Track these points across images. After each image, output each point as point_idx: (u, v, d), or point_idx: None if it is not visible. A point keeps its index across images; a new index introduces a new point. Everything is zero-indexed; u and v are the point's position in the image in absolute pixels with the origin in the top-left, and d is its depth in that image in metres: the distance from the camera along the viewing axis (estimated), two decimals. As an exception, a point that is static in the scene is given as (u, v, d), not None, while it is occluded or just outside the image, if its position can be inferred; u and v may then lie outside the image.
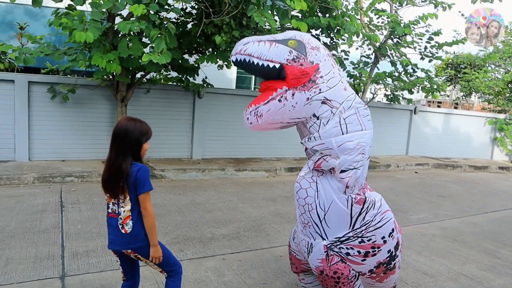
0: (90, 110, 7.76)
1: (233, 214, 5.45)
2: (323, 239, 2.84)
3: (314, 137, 2.73)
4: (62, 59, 6.35)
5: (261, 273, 3.77)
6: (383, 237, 2.84)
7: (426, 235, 5.20)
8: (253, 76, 13.33)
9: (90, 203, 5.54)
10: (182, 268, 2.74)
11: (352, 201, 2.77)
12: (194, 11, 7.16)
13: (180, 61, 7.06)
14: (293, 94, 2.64)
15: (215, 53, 6.62)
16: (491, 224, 5.96)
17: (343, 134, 2.69)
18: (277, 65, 2.60)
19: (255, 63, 2.60)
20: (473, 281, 3.90)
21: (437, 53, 10.45)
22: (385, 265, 2.90)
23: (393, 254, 2.93)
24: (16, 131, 7.22)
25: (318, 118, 2.70)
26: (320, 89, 2.66)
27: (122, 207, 2.41)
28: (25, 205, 5.31)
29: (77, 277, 3.46)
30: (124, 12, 6.55)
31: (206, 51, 7.22)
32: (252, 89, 14.11)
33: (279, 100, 2.65)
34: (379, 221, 2.84)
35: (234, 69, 12.10)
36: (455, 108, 19.72)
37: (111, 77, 7.32)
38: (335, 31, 7.00)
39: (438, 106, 22.19)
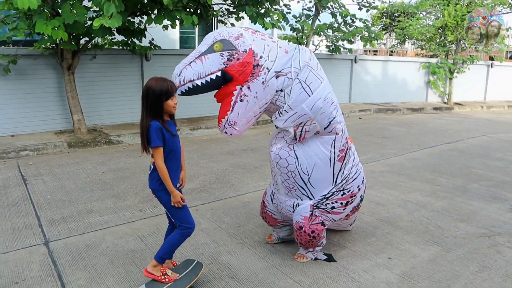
0: (35, 81, 7.50)
1: (197, 170, 5.70)
2: (310, 199, 3.08)
3: (284, 110, 2.81)
4: (0, 29, 6.04)
5: (233, 218, 4.11)
6: (358, 186, 3.20)
7: (375, 172, 5.76)
8: (196, 35, 13.20)
9: (52, 174, 5.56)
10: (161, 221, 2.97)
11: (334, 159, 3.01)
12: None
13: (126, 24, 6.94)
14: (248, 88, 2.71)
15: (162, 14, 6.58)
16: (429, 158, 6.66)
17: (309, 96, 2.79)
18: (219, 74, 2.66)
19: (200, 84, 2.65)
20: (418, 206, 4.48)
21: (373, 2, 10.90)
22: (356, 207, 3.30)
23: (363, 197, 3.34)
24: (-43, 108, 6.90)
25: (282, 90, 2.79)
26: (267, 68, 2.73)
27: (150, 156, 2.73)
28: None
29: (60, 241, 3.60)
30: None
31: (152, 12, 7.14)
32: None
33: (241, 100, 2.73)
34: (355, 173, 3.18)
35: (177, 29, 11.92)
36: (391, 55, 20.68)
37: (54, 45, 7.08)
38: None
39: (375, 54, 23.12)
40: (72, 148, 6.91)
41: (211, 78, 2.65)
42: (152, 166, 2.74)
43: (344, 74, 12.41)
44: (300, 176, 3.00)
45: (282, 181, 3.10)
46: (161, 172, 2.62)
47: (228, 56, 2.65)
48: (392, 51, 21.32)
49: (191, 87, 2.66)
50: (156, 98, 2.56)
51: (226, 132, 2.81)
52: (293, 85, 2.77)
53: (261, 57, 2.72)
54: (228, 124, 2.76)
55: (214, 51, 2.66)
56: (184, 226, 2.76)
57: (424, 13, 15.75)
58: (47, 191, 4.86)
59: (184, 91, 2.67)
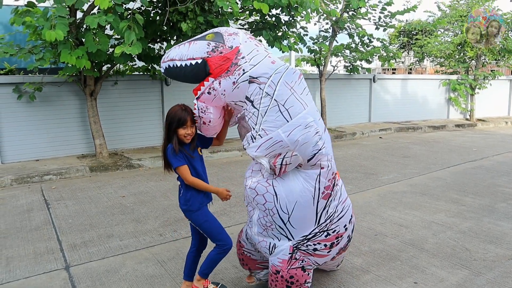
0: (59, 107, 7.71)
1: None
2: (289, 239, 2.73)
3: (259, 134, 2.53)
4: (28, 58, 6.26)
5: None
6: (345, 225, 2.87)
7: (397, 192, 5.64)
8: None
9: (75, 198, 5.63)
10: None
11: (319, 196, 2.67)
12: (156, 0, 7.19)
13: (147, 50, 7.10)
14: (219, 83, 2.61)
15: (181, 40, 6.71)
16: (454, 177, 6.50)
17: (287, 121, 2.51)
18: (199, 61, 2.58)
19: (179, 65, 2.61)
20: (443, 227, 4.35)
21: (390, 22, 10.88)
22: (343, 248, 2.98)
23: (351, 237, 3.01)
24: (-15, 135, 7.11)
25: (254, 107, 2.55)
26: (243, 70, 2.59)
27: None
28: (9, 206, 5.33)
29: (81, 266, 3.61)
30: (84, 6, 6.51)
31: (171, 39, 7.29)
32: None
33: (209, 93, 2.63)
34: (341, 211, 2.85)
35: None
36: (409, 73, 20.52)
37: (78, 72, 7.28)
38: (294, 9, 7.21)
39: (393, 73, 22.99)
40: (94, 172, 7.00)
41: (190, 63, 2.59)
42: (181, 189, 2.84)
43: (363, 94, 12.35)
44: (279, 215, 2.66)
45: (258, 217, 2.76)
46: (196, 184, 2.75)
47: (213, 47, 2.60)
48: (411, 69, 21.17)
49: (171, 66, 2.66)
50: (169, 124, 2.70)
51: (203, 122, 2.72)
52: (269, 107, 2.51)
53: (243, 57, 2.61)
54: (201, 110, 2.68)
55: (204, 39, 2.65)
56: (221, 244, 2.80)
57: (442, 30, 15.65)
58: (69, 215, 4.91)
59: (165, 68, 2.70)
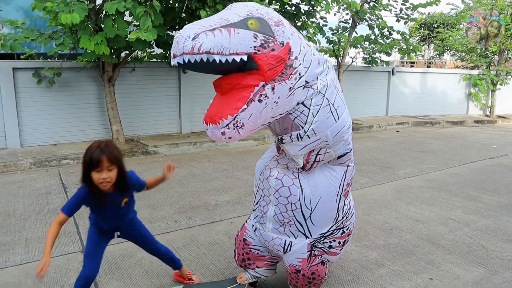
0: (78, 92, 7.79)
1: (231, 182, 5.70)
2: (307, 237, 2.61)
3: (307, 135, 2.32)
4: (48, 44, 6.32)
5: (268, 232, 4.06)
6: (353, 222, 2.85)
7: (414, 187, 5.58)
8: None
9: (92, 182, 5.69)
10: (196, 233, 3.00)
11: (341, 194, 2.59)
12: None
13: (165, 37, 7.10)
14: (273, 89, 2.12)
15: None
16: (472, 173, 6.40)
17: (335, 122, 2.36)
18: (244, 57, 2.03)
19: (217, 61, 1.97)
20: (460, 224, 4.29)
21: (412, 14, 10.69)
22: (347, 244, 2.92)
23: (352, 233, 2.92)
24: (5, 119, 7.21)
25: (304, 105, 2.27)
26: (299, 74, 2.20)
27: None
28: (28, 189, 5.43)
29: (97, 249, 3.66)
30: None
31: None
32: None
33: (259, 100, 2.11)
34: (352, 207, 2.82)
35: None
36: (428, 67, 20.20)
37: (96, 58, 7.33)
38: (314, -2, 7.13)
39: (412, 66, 22.64)
40: (110, 158, 7.07)
41: (233, 59, 2.00)
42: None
43: (381, 87, 12.20)
44: (301, 210, 2.52)
45: (276, 213, 2.59)
46: (48, 234, 2.38)
47: (263, 42, 2.07)
48: (430, 63, 20.82)
49: (204, 60, 1.95)
50: (83, 163, 2.36)
51: (223, 133, 2.11)
52: (321, 106, 2.29)
53: (296, 58, 2.19)
54: (234, 124, 2.08)
55: (247, 27, 2.05)
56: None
57: (465, 24, 15.32)
58: (86, 200, 4.98)
59: (192, 61, 1.94)
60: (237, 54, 2.00)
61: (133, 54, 7.76)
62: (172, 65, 2.04)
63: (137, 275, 3.21)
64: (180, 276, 3.05)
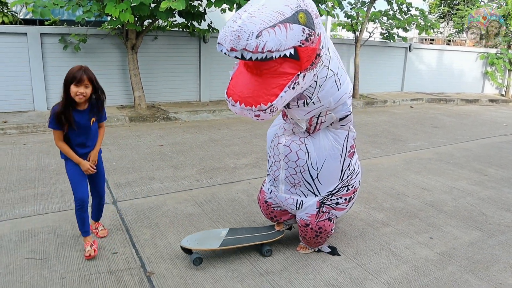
0: (101, 58, 8.08)
1: (249, 148, 6.01)
2: (316, 195, 2.91)
3: (312, 102, 2.52)
4: (76, 10, 6.57)
5: (282, 193, 4.38)
6: (359, 181, 3.13)
7: (423, 159, 5.83)
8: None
9: (117, 144, 6.05)
10: (216, 191, 3.29)
11: (345, 155, 2.84)
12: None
13: (188, 8, 7.30)
14: (304, 77, 2.30)
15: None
16: (481, 148, 6.61)
17: (338, 90, 2.57)
18: (292, 51, 2.15)
19: (274, 58, 2.08)
20: (464, 193, 4.56)
21: (432, -10, 10.64)
22: (353, 202, 3.18)
23: (357, 191, 3.17)
24: (33, 82, 7.56)
25: (315, 81, 2.47)
26: (322, 61, 2.40)
27: None
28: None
29: (127, 201, 4.03)
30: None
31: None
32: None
33: (293, 88, 2.28)
34: (358, 168, 3.10)
35: (230, 13, 12.20)
36: (448, 45, 19.98)
37: (120, 26, 7.58)
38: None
39: (431, 43, 22.39)
40: (132, 122, 7.42)
41: (285, 54, 2.12)
42: None
43: (398, 62, 12.27)
44: (309, 172, 2.80)
45: (286, 176, 2.88)
46: (62, 150, 2.94)
47: (308, 35, 2.18)
48: (449, 41, 20.59)
49: (263, 58, 2.05)
50: (64, 81, 2.79)
51: (258, 116, 2.25)
52: (327, 77, 2.47)
53: (322, 46, 2.35)
54: (271, 109, 2.23)
55: (298, 21, 2.14)
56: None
57: (486, 1, 15.11)
58: (113, 159, 5.34)
59: (247, 58, 2.04)
60: (289, 48, 2.12)
61: (156, 23, 7.98)
62: (219, 50, 2.10)
63: (164, 224, 3.56)
64: (91, 226, 3.37)
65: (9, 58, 7.34)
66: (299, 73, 2.26)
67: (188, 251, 2.98)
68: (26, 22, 10.46)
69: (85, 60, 7.90)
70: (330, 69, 2.49)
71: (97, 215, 3.39)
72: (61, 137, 2.90)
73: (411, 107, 10.85)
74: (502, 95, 13.65)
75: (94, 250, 3.02)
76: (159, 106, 8.41)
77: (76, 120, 2.86)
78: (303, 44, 2.18)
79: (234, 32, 1.99)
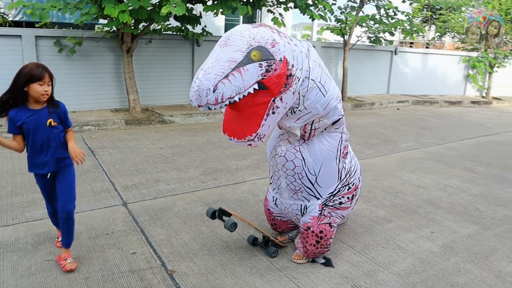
0: (96, 62, 8.11)
1: (248, 150, 6.15)
2: (318, 198, 3.02)
3: (299, 110, 2.67)
4: (75, 13, 6.61)
5: (286, 193, 4.54)
6: (358, 177, 3.26)
7: (415, 158, 6.07)
8: (241, 22, 13.59)
9: (116, 147, 6.12)
10: (223, 191, 3.42)
11: (340, 156, 2.98)
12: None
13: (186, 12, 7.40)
14: (281, 99, 2.48)
15: (219, 2, 7.01)
16: (468, 148, 6.90)
17: (324, 96, 2.68)
18: (256, 86, 2.35)
19: (237, 100, 2.32)
20: (457, 190, 4.80)
21: (418, -5, 10.99)
22: (357, 198, 3.33)
23: (360, 188, 3.32)
24: (27, 85, 7.53)
25: (298, 93, 2.63)
26: (298, 78, 2.53)
27: None
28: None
29: (137, 203, 4.12)
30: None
31: (207, 1, 7.58)
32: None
33: (273, 112, 2.48)
34: (355, 165, 3.22)
35: (222, 16, 12.33)
36: (427, 48, 20.52)
37: (115, 28, 7.63)
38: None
39: (410, 47, 22.92)
40: (128, 125, 7.49)
41: (248, 92, 2.34)
42: None
43: (384, 65, 12.59)
44: (308, 177, 2.93)
45: (287, 184, 3.01)
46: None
47: (267, 67, 2.35)
48: (428, 44, 21.13)
49: (227, 103, 2.31)
50: (16, 78, 2.60)
51: (250, 145, 2.55)
52: (309, 87, 2.62)
53: (292, 65, 2.47)
54: (258, 137, 2.48)
55: (252, 60, 2.31)
56: None
57: (467, 6, 15.63)
58: (115, 162, 5.41)
59: (213, 109, 2.32)
60: (250, 86, 2.33)
61: (151, 26, 8.06)
62: (193, 106, 2.41)
63: (177, 224, 3.68)
64: (60, 255, 3.01)
65: (3, 60, 7.31)
66: (273, 99, 2.44)
67: (225, 214, 3.08)
68: (16, 24, 10.38)
69: (79, 63, 7.93)
70: (311, 79, 2.63)
71: (65, 238, 2.95)
72: (16, 139, 2.75)
73: (397, 109, 11.16)
74: (483, 97, 14.12)
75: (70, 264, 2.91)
76: (153, 109, 8.49)
77: (32, 121, 2.69)
78: (265, 76, 2.35)
79: (195, 92, 2.25)
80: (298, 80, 2.53)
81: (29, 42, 7.44)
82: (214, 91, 2.23)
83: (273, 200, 3.26)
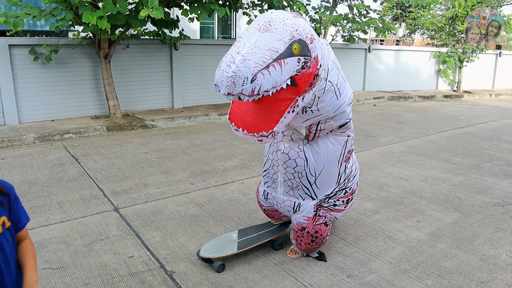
0: (73, 69, 8.02)
1: (233, 150, 6.23)
2: (313, 199, 2.98)
3: (311, 110, 2.57)
4: (50, 19, 6.54)
5: (275, 191, 4.63)
6: (357, 183, 3.23)
7: (396, 152, 6.27)
8: (216, 26, 13.64)
9: (100, 154, 6.09)
10: (213, 192, 3.49)
11: (342, 160, 2.94)
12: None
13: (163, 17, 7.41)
14: (303, 98, 2.35)
15: (195, 5, 7.05)
16: (444, 140, 7.16)
17: (337, 99, 2.62)
18: (289, 82, 2.20)
19: (271, 94, 2.15)
20: (438, 180, 5.00)
21: (389, -6, 11.30)
22: (353, 202, 3.30)
23: (355, 192, 3.27)
24: (3, 96, 7.38)
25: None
26: (321, 78, 2.43)
27: None
28: (40, 161, 5.77)
29: (128, 208, 4.14)
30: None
31: (185, 4, 7.61)
32: (216, 38, 14.51)
33: (293, 111, 2.34)
34: (355, 170, 3.20)
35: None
36: (397, 45, 21.04)
37: (92, 35, 7.58)
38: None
39: (381, 44, 23.44)
40: (110, 131, 7.44)
41: (281, 87, 2.17)
42: None
43: (359, 63, 12.86)
44: (307, 178, 2.88)
45: (285, 179, 2.96)
46: None
47: (303, 64, 2.21)
48: (398, 41, 21.67)
49: (261, 96, 2.11)
50: None
51: (260, 140, 2.33)
52: (326, 89, 2.53)
53: (320, 65, 2.35)
54: (272, 135, 2.30)
55: (293, 54, 2.15)
56: None
57: (435, 4, 16.12)
58: (101, 168, 5.39)
59: (245, 100, 2.10)
60: (285, 81, 2.17)
61: (128, 31, 8.03)
62: (217, 91, 2.11)
63: (171, 226, 3.72)
64: None
65: (-23, 71, 7.18)
66: (297, 97, 2.31)
67: (208, 260, 3.02)
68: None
69: (55, 71, 7.83)
70: (329, 81, 2.56)
71: None
72: None
73: (374, 105, 11.43)
74: (454, 90, 14.58)
75: None
76: (133, 114, 8.45)
77: None
78: (299, 72, 2.21)
79: (229, 78, 2.01)
80: (321, 80, 2.42)
81: (3, 51, 7.30)
82: (252, 81, 2.01)
83: (263, 194, 3.25)
